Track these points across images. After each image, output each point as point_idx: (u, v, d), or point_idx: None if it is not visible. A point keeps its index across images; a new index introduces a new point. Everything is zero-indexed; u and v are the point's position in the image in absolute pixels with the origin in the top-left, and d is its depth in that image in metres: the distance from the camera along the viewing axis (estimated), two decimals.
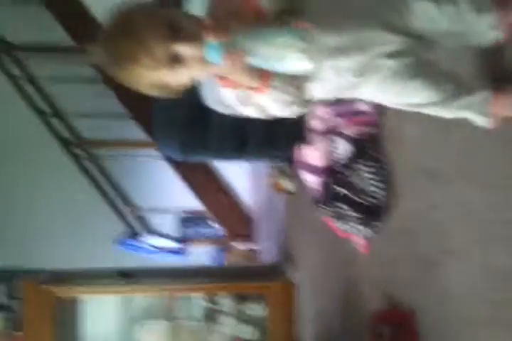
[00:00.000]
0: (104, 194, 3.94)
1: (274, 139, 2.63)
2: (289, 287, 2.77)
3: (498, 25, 0.97)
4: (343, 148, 1.78)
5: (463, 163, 1.26)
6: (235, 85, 0.90)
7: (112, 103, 3.71)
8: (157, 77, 0.86)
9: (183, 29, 0.83)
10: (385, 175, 1.70)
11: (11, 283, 3.01)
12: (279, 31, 0.85)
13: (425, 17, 0.93)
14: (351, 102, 1.82)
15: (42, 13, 3.63)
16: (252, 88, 0.88)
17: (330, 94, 0.99)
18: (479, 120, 1.06)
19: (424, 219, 1.44)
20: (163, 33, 0.81)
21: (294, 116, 0.96)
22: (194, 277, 2.86)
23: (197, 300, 3.11)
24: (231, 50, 0.82)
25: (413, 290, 1.51)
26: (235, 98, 0.92)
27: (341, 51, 0.89)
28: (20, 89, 3.73)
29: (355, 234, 1.78)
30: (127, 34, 0.83)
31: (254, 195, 4.16)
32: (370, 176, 1.71)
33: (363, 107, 1.81)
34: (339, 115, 1.87)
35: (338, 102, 1.87)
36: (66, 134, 3.92)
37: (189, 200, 4.09)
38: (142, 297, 3.15)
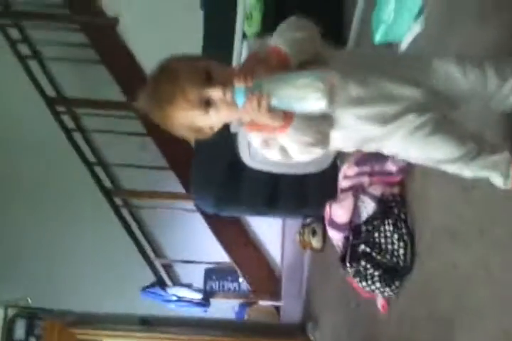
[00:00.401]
0: (136, 242, 4.04)
1: (305, 196, 2.71)
2: None
3: None
4: (368, 207, 1.84)
5: (482, 223, 1.29)
6: (259, 128, 0.96)
7: (155, 155, 3.93)
8: (190, 118, 0.95)
9: (217, 76, 0.93)
10: (408, 235, 1.72)
11: (32, 320, 3.06)
12: (301, 73, 0.91)
13: (448, 77, 0.98)
14: (378, 162, 1.89)
15: (98, 70, 3.97)
16: (274, 129, 0.94)
17: (352, 144, 1.04)
18: (500, 181, 1.07)
19: (444, 279, 1.45)
20: (200, 79, 0.91)
21: (319, 168, 1.02)
22: (213, 330, 2.85)
23: None
24: (256, 92, 0.89)
25: None
26: (260, 141, 0.99)
27: (363, 101, 0.95)
28: (70, 138, 3.99)
29: (376, 293, 1.78)
30: (168, 79, 0.93)
31: (283, 252, 4.16)
32: (393, 235, 1.75)
33: (390, 167, 1.88)
34: (366, 174, 1.94)
35: (365, 162, 1.95)
36: (107, 183, 4.11)
37: (218, 253, 4.13)
38: None
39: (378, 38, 1.85)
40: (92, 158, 4.07)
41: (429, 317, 1.51)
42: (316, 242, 2.89)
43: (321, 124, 0.96)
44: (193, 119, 0.96)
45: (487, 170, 1.05)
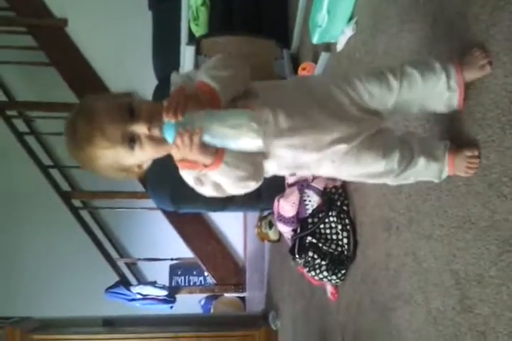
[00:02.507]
0: (98, 243, 4.04)
1: (258, 192, 2.79)
2: (272, 336, 2.82)
3: (454, 87, 1.02)
4: (312, 200, 1.93)
5: (411, 215, 1.40)
6: (191, 166, 0.91)
7: None
8: (114, 157, 0.90)
9: (140, 112, 0.89)
10: (350, 225, 1.83)
11: None
12: (233, 112, 0.90)
13: (372, 96, 0.99)
14: None
15: (49, 72, 3.91)
16: (206, 165, 0.90)
17: (287, 171, 1.05)
18: (435, 180, 1.11)
19: (380, 267, 1.56)
20: (121, 115, 0.88)
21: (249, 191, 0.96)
22: (179, 326, 2.91)
23: None
24: (187, 128, 0.85)
25: (373, 336, 1.61)
26: (193, 178, 0.95)
27: (293, 131, 0.95)
28: (22, 142, 3.92)
29: (325, 281, 1.89)
30: (85, 118, 0.88)
31: (245, 244, 4.26)
32: (337, 226, 1.85)
33: None
34: None
35: None
36: (65, 185, 4.08)
37: (181, 249, 4.19)
38: None
39: (315, 40, 1.94)
40: (47, 161, 4.03)
41: (371, 303, 1.62)
42: (272, 234, 2.98)
43: (254, 157, 0.94)
44: (118, 158, 0.91)
45: (425, 173, 1.08)
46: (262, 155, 0.95)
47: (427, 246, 1.28)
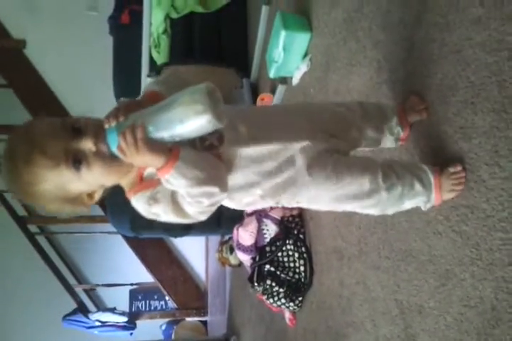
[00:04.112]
0: (54, 269, 3.94)
1: (218, 218, 2.82)
2: None
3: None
4: (270, 229, 1.99)
5: (361, 246, 1.48)
6: (143, 186, 0.83)
7: None
8: (57, 181, 0.79)
9: (86, 128, 0.79)
10: (307, 253, 1.90)
11: None
12: (174, 95, 0.77)
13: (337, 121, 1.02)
14: None
15: (5, 94, 3.85)
16: (159, 168, 0.78)
17: (255, 187, 0.91)
18: (423, 206, 1.03)
19: (334, 295, 1.62)
20: (63, 132, 0.78)
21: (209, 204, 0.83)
22: None
23: None
24: (128, 126, 0.75)
25: None
26: (146, 201, 0.83)
27: (257, 139, 0.88)
28: None
29: (283, 308, 1.94)
30: (22, 138, 0.79)
31: (207, 267, 4.26)
32: (294, 254, 1.91)
33: None
34: None
35: None
36: (20, 210, 3.98)
37: (141, 274, 4.15)
38: None
39: (272, 74, 2.03)
40: (1, 186, 3.93)
41: (326, 329, 1.68)
42: (233, 259, 3.01)
43: (214, 160, 0.84)
44: (62, 182, 0.80)
45: (409, 198, 0.98)
46: (226, 165, 0.86)
47: (375, 277, 1.35)
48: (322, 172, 0.92)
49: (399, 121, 1.13)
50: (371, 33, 1.44)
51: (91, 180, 0.82)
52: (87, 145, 0.79)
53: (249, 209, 2.11)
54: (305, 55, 1.92)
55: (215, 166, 0.84)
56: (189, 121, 0.74)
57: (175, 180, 0.79)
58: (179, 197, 0.83)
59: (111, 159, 0.79)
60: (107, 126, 0.77)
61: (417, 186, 0.98)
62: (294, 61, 1.93)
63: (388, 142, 1.15)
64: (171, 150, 0.78)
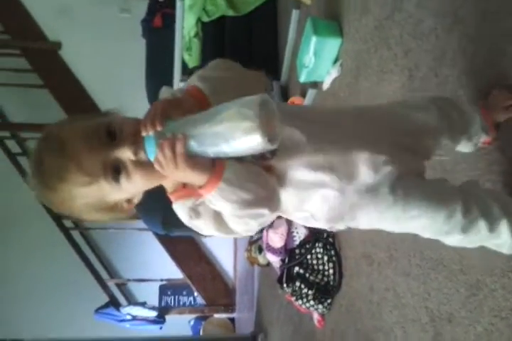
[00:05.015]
0: (88, 264, 4.08)
1: None
2: None
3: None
4: (300, 232, 2.02)
5: (391, 252, 1.49)
6: (185, 194, 0.75)
7: None
8: (96, 195, 0.72)
9: (122, 133, 0.71)
10: (336, 256, 1.92)
11: None
12: (222, 105, 0.67)
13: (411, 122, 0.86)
14: None
15: (42, 94, 3.98)
16: (201, 187, 0.69)
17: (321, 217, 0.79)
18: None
19: (364, 300, 1.65)
20: (98, 140, 0.70)
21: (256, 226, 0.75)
22: None
23: None
24: (167, 138, 0.66)
25: None
26: (187, 211, 0.75)
27: (315, 146, 0.75)
28: (15, 163, 3.98)
29: (312, 310, 1.97)
30: (53, 149, 0.70)
31: (235, 265, 4.32)
32: (324, 257, 1.94)
33: None
34: None
35: None
36: None
37: (171, 269, 4.24)
38: None
39: (302, 79, 2.05)
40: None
41: (355, 332, 1.70)
42: (262, 259, 3.05)
43: (264, 177, 0.73)
44: (101, 196, 0.72)
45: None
46: (274, 178, 0.74)
47: (405, 284, 1.37)
48: (390, 196, 0.77)
49: (483, 121, 0.95)
50: (402, 41, 1.45)
51: (131, 189, 0.75)
52: (126, 153, 0.70)
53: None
54: (336, 60, 1.93)
55: (264, 184, 0.73)
56: (235, 140, 0.64)
57: (217, 202, 0.70)
58: (224, 215, 0.74)
59: (152, 166, 0.69)
60: (144, 133, 0.68)
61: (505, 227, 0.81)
62: (324, 66, 1.95)
63: (464, 147, 0.98)
64: (214, 166, 0.68)
